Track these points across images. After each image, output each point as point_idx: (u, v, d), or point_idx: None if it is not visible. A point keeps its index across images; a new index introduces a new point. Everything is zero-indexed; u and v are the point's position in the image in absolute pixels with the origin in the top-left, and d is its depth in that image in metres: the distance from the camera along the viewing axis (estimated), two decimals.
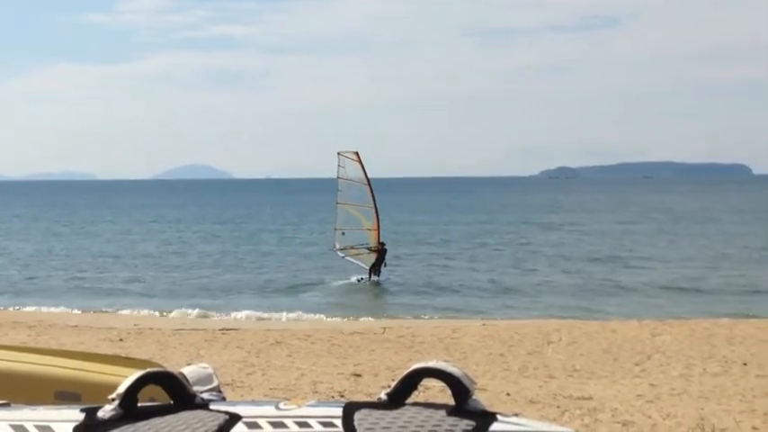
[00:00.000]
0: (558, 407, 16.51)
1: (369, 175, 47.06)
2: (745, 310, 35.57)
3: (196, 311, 36.63)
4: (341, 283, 46.35)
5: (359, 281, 46.07)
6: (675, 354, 22.62)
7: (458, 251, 64.48)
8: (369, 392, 16.47)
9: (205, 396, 2.63)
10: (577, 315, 34.89)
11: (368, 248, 46.27)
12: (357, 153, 47.60)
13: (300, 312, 36.45)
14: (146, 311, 37.09)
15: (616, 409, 16.25)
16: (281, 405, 2.62)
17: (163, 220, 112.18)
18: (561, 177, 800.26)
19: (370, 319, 34.14)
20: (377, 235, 46.12)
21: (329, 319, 34.41)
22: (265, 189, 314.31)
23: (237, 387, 17.88)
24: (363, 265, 46.38)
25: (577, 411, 16.00)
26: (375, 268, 46.03)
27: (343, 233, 47.28)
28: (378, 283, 45.68)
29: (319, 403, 2.66)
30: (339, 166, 47.75)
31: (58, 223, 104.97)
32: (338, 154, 47.96)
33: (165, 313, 36.64)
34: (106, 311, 37.13)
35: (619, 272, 50.82)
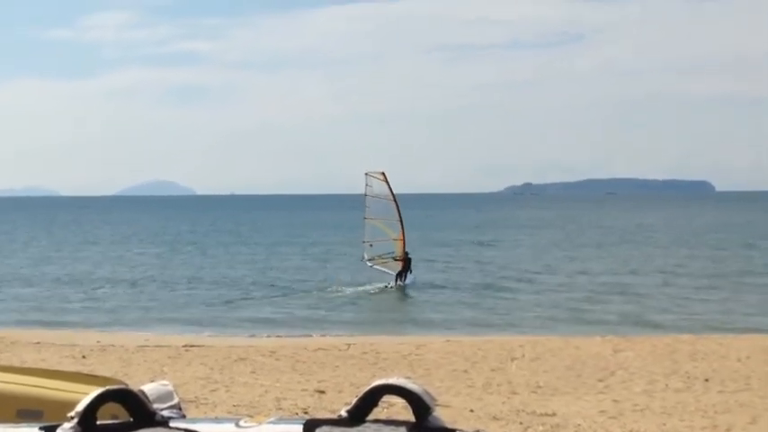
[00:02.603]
0: (521, 423, 16.55)
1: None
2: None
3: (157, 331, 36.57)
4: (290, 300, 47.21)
5: (387, 287, 49.66)
6: (638, 370, 22.72)
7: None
8: (333, 409, 16.44)
9: (165, 413, 2.62)
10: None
11: (393, 258, 50.30)
12: (383, 173, 52.13)
13: (265, 327, 36.55)
14: (110, 328, 36.87)
15: (579, 425, 16.30)
16: (242, 422, 2.62)
17: (128, 236, 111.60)
18: (526, 194, 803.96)
19: (334, 335, 34.13)
20: (402, 244, 50.16)
21: (293, 336, 34.33)
22: (229, 205, 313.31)
23: (201, 404, 17.80)
24: (391, 272, 50.28)
25: (540, 428, 16.05)
26: (401, 275, 49.94)
27: (371, 245, 51.36)
28: (404, 288, 49.35)
29: (280, 420, 2.66)
30: (366, 185, 52.08)
31: (19, 240, 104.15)
32: (365, 174, 52.42)
33: (130, 330, 36.46)
34: (69, 328, 36.83)
35: (508, 291, 50.17)
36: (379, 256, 50.86)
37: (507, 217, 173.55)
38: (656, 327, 36.35)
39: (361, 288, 49.87)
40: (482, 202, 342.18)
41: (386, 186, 51.61)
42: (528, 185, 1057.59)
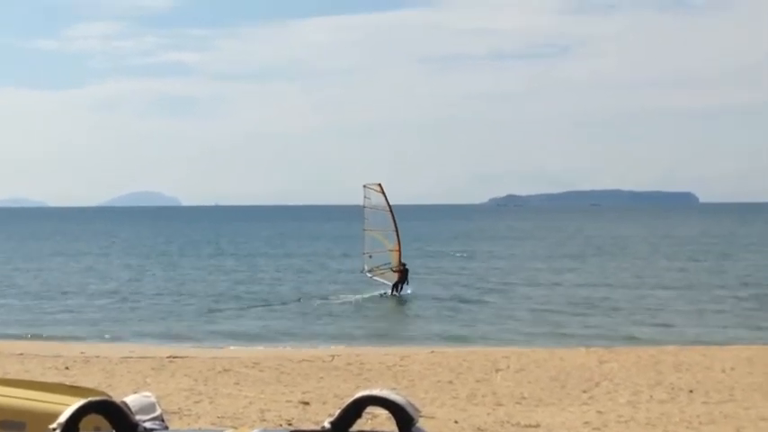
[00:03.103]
0: None
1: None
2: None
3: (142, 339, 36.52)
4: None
5: (381, 296, 50.67)
6: (623, 381, 22.75)
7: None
8: (317, 420, 16.35)
9: (147, 425, 2.62)
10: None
11: (390, 268, 51.17)
12: (380, 185, 53.17)
13: (248, 339, 36.58)
14: (90, 340, 36.71)
15: None
16: None
17: (109, 247, 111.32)
18: (509, 205, 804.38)
19: (317, 346, 34.08)
20: (398, 255, 51.11)
21: (277, 347, 34.29)
22: (213, 216, 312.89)
23: (185, 416, 17.75)
24: (388, 283, 51.21)
25: None
26: (398, 286, 50.97)
27: (370, 256, 52.39)
28: (401, 298, 50.35)
29: None
30: (365, 197, 53.25)
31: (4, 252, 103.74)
32: (364, 186, 53.55)
33: (112, 340, 36.35)
34: (52, 339, 36.69)
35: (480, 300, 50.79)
36: (378, 267, 51.78)
37: (489, 228, 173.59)
38: (631, 339, 36.16)
39: (344, 298, 50.13)
40: (465, 214, 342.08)
41: (383, 198, 52.50)
42: (511, 197, 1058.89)
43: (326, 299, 50.33)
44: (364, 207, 53.19)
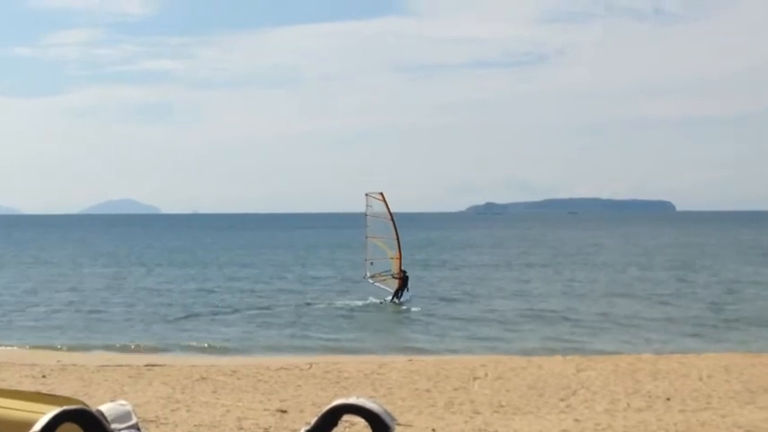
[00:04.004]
0: None
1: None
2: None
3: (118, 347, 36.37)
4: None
5: (380, 303, 51.49)
6: (600, 389, 22.78)
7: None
8: (294, 428, 16.38)
9: None
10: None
11: (391, 275, 52.20)
12: (382, 194, 53.85)
13: (222, 349, 36.48)
14: (69, 347, 36.48)
15: None
16: None
17: (82, 256, 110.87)
18: (488, 213, 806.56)
19: (295, 354, 34.01)
20: (399, 263, 52.03)
21: (255, 355, 34.21)
22: (191, 224, 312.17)
23: (162, 424, 17.70)
24: (389, 289, 52.13)
25: None
26: (398, 292, 51.83)
27: (372, 263, 53.37)
28: (401, 305, 50.87)
29: None
30: (367, 205, 54.07)
31: None
32: (366, 195, 54.63)
33: (83, 349, 36.10)
34: (28, 347, 36.44)
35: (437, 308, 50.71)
36: (379, 274, 52.57)
37: (466, 237, 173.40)
38: (595, 350, 35.99)
39: (321, 306, 50.26)
40: (443, 222, 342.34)
41: (384, 206, 53.17)
42: (490, 205, 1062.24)
43: (303, 306, 50.28)
44: (366, 215, 53.97)
